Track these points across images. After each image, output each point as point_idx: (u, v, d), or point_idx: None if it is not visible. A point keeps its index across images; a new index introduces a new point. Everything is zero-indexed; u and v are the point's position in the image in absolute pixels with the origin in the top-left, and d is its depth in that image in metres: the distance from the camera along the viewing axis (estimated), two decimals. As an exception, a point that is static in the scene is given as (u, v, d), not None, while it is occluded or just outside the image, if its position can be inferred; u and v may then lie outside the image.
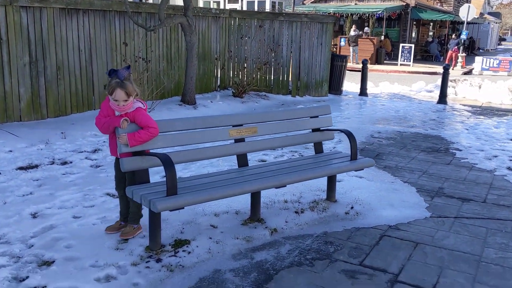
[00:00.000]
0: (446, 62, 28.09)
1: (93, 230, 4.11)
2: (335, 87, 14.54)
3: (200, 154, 4.12)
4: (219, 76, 12.89)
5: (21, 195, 5.02)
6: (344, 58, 14.65)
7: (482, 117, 11.54)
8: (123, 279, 3.33)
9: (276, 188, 4.04)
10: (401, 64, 28.09)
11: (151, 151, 3.88)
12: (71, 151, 6.88)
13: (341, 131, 4.75)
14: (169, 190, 3.48)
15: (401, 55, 28.74)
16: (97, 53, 9.44)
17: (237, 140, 4.35)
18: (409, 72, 25.84)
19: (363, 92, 14.89)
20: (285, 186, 4.05)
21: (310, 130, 4.96)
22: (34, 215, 4.47)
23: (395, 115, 11.25)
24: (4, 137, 7.12)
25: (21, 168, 5.94)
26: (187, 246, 3.80)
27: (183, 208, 3.48)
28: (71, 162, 6.30)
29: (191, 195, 3.52)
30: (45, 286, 3.21)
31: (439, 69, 28.11)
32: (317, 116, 4.95)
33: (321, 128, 4.96)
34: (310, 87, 13.70)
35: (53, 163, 6.26)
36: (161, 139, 3.88)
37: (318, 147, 4.98)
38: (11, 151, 6.66)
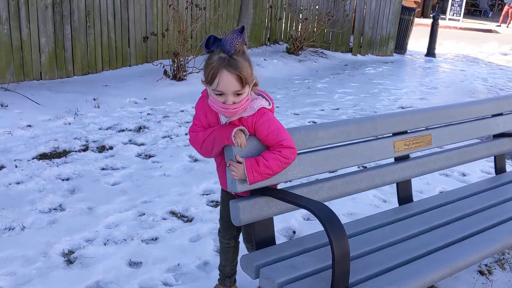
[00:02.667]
0: (501, 19, 25.50)
1: (167, 301, 2.48)
2: (399, 45, 12.51)
3: (351, 185, 2.40)
4: (269, 28, 10.93)
5: (47, 210, 3.39)
6: (413, 11, 12.52)
7: None
8: None
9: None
10: (449, 19, 25.51)
11: (279, 184, 2.20)
12: (108, 128, 5.19)
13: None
14: (337, 282, 1.79)
15: (451, 9, 26.10)
16: (136, -5, 7.58)
17: (398, 158, 2.61)
18: (460, 28, 23.35)
19: (430, 52, 12.86)
20: (504, 252, 2.34)
21: (490, 135, 3.20)
22: (68, 258, 2.85)
23: (486, 85, 9.32)
24: (21, 104, 5.44)
25: (43, 157, 4.29)
26: None
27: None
28: (111, 149, 4.63)
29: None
30: None
31: (493, 26, 25.67)
32: (501, 114, 3.17)
33: (505, 133, 3.19)
34: (374, 45, 11.70)
35: (86, 148, 4.59)
36: (297, 164, 2.16)
37: (501, 163, 3.22)
38: (30, 126, 5.00)
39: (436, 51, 13.31)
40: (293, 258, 2.05)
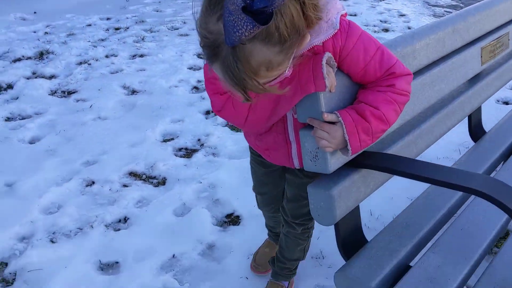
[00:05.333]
0: None
1: None
2: None
3: (445, 122, 1.60)
4: None
5: None
6: None
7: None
8: None
9: None
10: None
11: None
12: (-3, 58, 3.83)
13: None
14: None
15: None
16: None
17: (472, 79, 1.83)
18: None
19: None
20: None
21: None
22: (2, 277, 1.84)
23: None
24: None
25: None
26: None
27: None
28: (10, 87, 3.38)
29: None
30: None
31: None
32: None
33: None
34: None
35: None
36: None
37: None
38: None
39: None
40: (416, 262, 1.27)
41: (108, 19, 4.99)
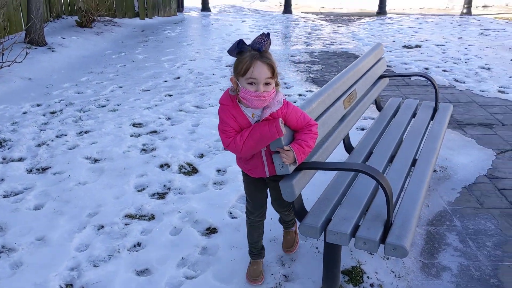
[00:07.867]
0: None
1: None
2: (177, 3, 12.93)
3: (335, 141, 2.93)
4: (48, 1, 10.04)
5: (-7, 256, 2.98)
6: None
7: (341, 24, 11.81)
8: None
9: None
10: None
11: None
12: (-38, 151, 4.45)
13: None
14: (390, 213, 2.35)
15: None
16: None
17: (341, 118, 3.20)
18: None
19: (205, 7, 13.64)
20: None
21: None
22: (75, 292, 2.70)
23: (278, 33, 10.55)
24: None
25: None
26: (368, 277, 2.76)
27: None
28: (-7, 172, 4.06)
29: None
30: None
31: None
32: (378, 60, 4.04)
33: (382, 74, 4.10)
34: (158, 6, 11.87)
35: (-39, 180, 3.93)
36: (308, 137, 2.58)
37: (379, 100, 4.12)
38: None
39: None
40: (336, 213, 2.50)
41: (38, 105, 5.76)
